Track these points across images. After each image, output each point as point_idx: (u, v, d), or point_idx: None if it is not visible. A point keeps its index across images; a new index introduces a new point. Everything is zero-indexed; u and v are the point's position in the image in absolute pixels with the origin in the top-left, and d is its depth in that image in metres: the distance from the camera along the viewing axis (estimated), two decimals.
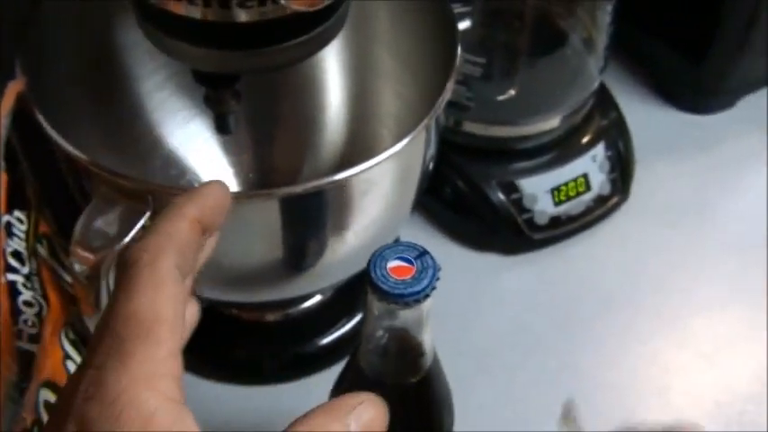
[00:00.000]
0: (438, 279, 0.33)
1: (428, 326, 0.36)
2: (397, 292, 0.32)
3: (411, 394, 0.39)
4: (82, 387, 0.26)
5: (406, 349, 0.36)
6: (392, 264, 0.33)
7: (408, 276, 0.33)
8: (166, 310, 0.28)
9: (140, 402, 0.26)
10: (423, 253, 0.33)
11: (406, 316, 0.34)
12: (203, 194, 0.32)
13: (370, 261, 0.33)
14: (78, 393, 0.26)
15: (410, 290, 0.32)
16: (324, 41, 0.39)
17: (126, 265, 0.28)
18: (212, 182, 0.33)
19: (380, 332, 0.36)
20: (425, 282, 0.33)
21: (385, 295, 0.32)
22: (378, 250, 0.33)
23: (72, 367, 0.40)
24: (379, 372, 0.37)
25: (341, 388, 0.40)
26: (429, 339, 0.37)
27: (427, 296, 0.33)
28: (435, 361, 0.39)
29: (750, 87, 0.71)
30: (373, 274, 0.33)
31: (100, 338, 0.27)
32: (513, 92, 0.60)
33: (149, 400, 0.26)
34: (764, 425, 0.52)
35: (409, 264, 0.33)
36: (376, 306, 0.34)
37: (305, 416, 0.29)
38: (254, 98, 0.54)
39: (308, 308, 0.54)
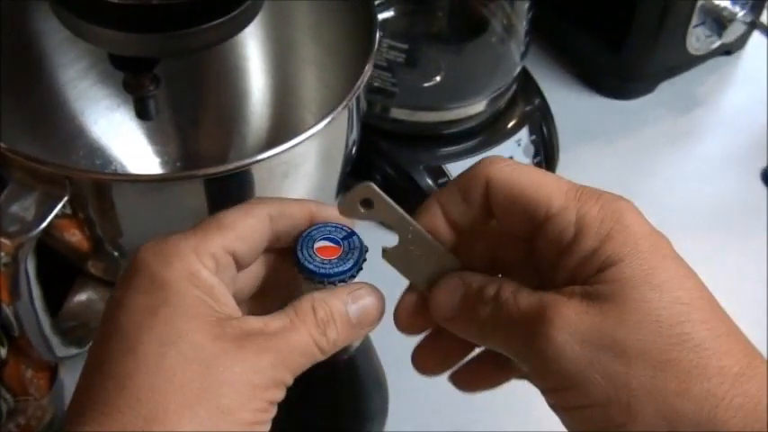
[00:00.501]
0: (365, 260, 0.33)
1: None
2: (322, 271, 0.33)
3: (341, 373, 0.39)
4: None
5: None
6: (319, 244, 0.34)
7: (334, 256, 0.33)
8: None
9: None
10: (350, 234, 0.34)
11: None
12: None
13: (296, 240, 0.33)
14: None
15: (335, 269, 0.33)
16: (241, 25, 0.39)
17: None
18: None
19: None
20: (350, 262, 0.33)
21: (310, 274, 0.33)
22: (304, 230, 0.34)
23: None
24: None
25: None
26: None
27: (353, 276, 0.33)
28: (366, 340, 0.39)
29: (668, 73, 0.74)
30: (300, 254, 0.33)
31: None
32: (438, 78, 0.61)
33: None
34: None
35: (336, 244, 0.34)
36: (304, 285, 0.34)
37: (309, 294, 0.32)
38: (180, 87, 0.54)
39: None
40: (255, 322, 0.31)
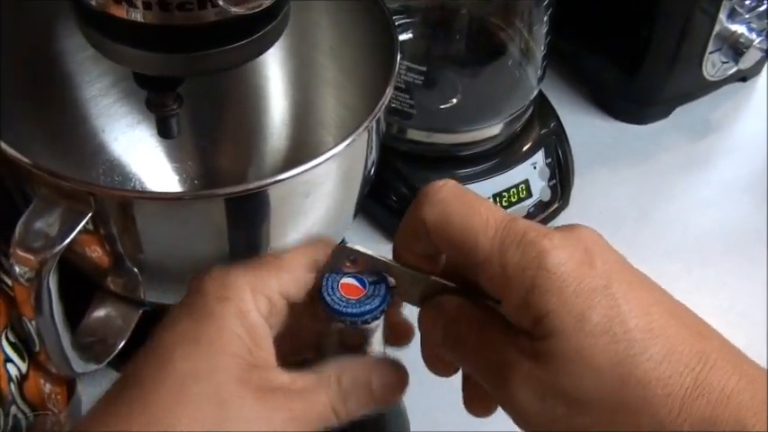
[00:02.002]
0: (384, 311, 0.34)
1: (376, 347, 0.36)
2: (335, 307, 0.33)
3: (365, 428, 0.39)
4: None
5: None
6: (346, 280, 0.34)
7: (355, 297, 0.34)
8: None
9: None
10: (380, 280, 0.34)
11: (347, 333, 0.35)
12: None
13: (322, 277, 0.34)
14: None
15: (348, 310, 0.33)
16: (264, 46, 0.40)
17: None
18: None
19: (331, 344, 0.36)
20: (367, 308, 0.33)
21: (324, 304, 0.34)
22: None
23: (12, 370, 0.40)
24: None
25: None
26: (380, 356, 0.37)
27: (376, 318, 0.34)
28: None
29: (684, 98, 0.74)
30: (324, 284, 0.34)
31: None
32: (454, 100, 0.62)
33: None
34: None
35: (362, 285, 0.34)
36: (326, 321, 0.35)
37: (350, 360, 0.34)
38: (200, 106, 0.55)
39: None
40: (282, 377, 0.33)
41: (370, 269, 0.34)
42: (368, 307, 0.33)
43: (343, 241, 0.58)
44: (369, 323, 0.34)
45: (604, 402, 0.29)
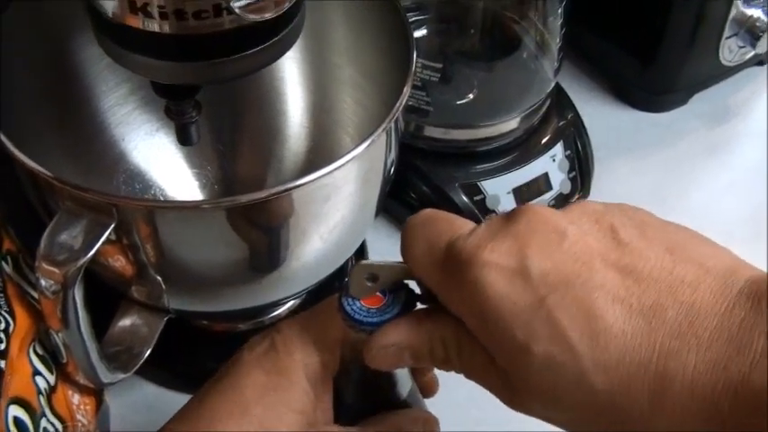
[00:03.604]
0: (410, 308, 0.34)
1: None
2: (356, 317, 0.34)
3: None
4: None
5: (377, 375, 0.36)
6: None
7: (375, 306, 0.34)
8: None
9: None
10: (399, 288, 0.34)
11: None
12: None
13: (342, 288, 0.34)
14: None
15: (369, 319, 0.33)
16: (280, 51, 0.40)
17: None
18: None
19: (354, 354, 0.36)
20: (387, 316, 0.33)
21: (344, 314, 0.34)
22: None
23: (41, 383, 0.40)
24: (358, 400, 0.38)
25: None
26: (402, 370, 0.37)
27: None
28: (412, 393, 0.39)
29: (701, 85, 0.73)
30: (344, 292, 0.34)
31: None
32: (471, 96, 0.61)
33: None
34: None
35: (382, 294, 0.34)
36: (346, 329, 0.35)
37: (391, 413, 0.37)
38: (218, 111, 0.55)
39: (280, 316, 0.55)
40: None
41: (390, 281, 0.34)
42: (388, 315, 0.33)
43: (363, 243, 0.58)
44: None
45: (585, 410, 0.28)
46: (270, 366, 0.36)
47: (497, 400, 0.32)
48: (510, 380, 0.29)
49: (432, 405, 0.43)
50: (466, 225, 0.31)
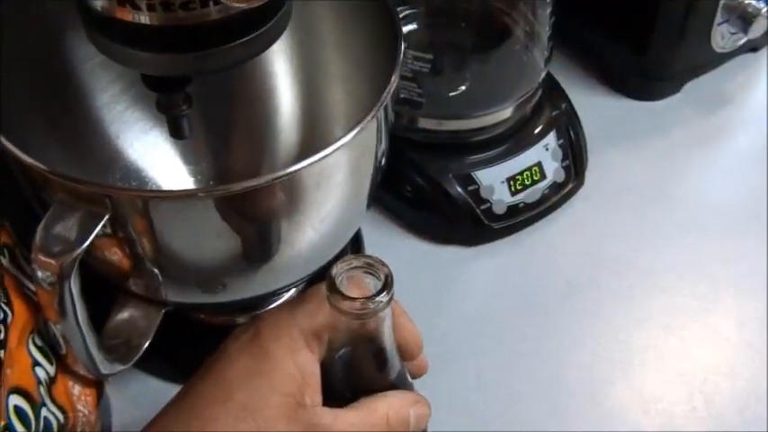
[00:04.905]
0: (389, 302, 0.35)
1: (387, 339, 0.37)
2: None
3: None
4: None
5: (365, 356, 0.37)
6: (352, 274, 0.35)
7: (361, 289, 0.35)
8: None
9: None
10: (384, 273, 0.35)
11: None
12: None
13: (329, 276, 0.35)
14: None
15: (367, 305, 0.34)
16: (269, 41, 0.40)
17: None
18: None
19: (342, 337, 0.37)
20: (372, 297, 0.34)
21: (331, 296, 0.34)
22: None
23: (41, 374, 0.40)
24: (347, 383, 0.38)
25: None
26: (390, 352, 0.38)
27: (373, 311, 0.34)
28: (401, 375, 0.39)
29: (694, 72, 0.74)
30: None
31: None
32: (463, 87, 0.62)
33: None
34: (725, 392, 0.54)
35: (367, 278, 0.35)
36: (334, 316, 0.36)
37: (382, 394, 0.38)
38: (211, 106, 0.55)
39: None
40: (326, 416, 0.36)
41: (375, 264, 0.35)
42: (373, 296, 0.34)
43: (358, 232, 0.59)
44: (376, 311, 0.34)
45: None
46: (255, 352, 0.37)
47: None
48: None
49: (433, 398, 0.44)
50: None
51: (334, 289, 0.34)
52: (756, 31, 0.69)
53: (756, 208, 0.65)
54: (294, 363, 0.37)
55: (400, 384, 0.39)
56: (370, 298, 0.34)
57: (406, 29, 0.62)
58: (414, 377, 0.41)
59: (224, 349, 0.39)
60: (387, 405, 0.37)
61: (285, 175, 0.39)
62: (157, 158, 0.56)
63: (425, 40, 0.62)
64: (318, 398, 0.37)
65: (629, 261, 0.62)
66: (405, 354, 0.40)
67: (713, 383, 0.54)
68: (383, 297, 0.34)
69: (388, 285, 0.34)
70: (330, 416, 0.36)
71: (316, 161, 0.40)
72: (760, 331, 0.57)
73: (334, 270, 0.35)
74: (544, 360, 0.55)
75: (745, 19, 0.68)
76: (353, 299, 0.34)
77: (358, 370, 0.38)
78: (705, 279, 0.60)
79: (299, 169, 0.39)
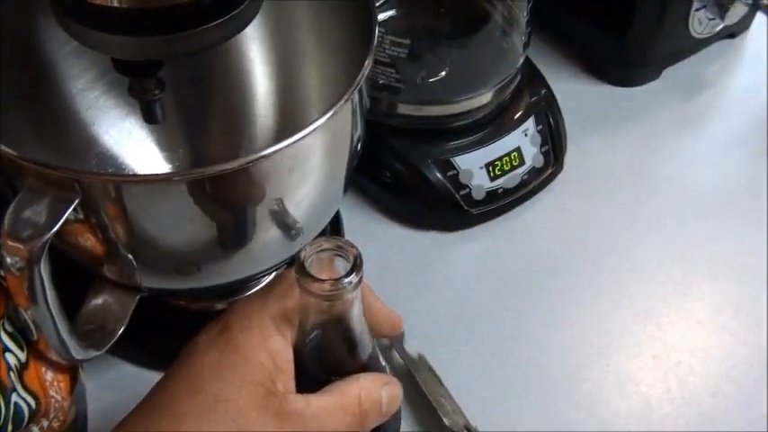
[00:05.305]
0: (358, 283, 0.35)
1: (356, 320, 0.37)
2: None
3: None
4: None
5: (336, 339, 0.37)
6: (321, 256, 0.36)
7: (329, 270, 0.35)
8: None
9: None
10: (353, 254, 0.35)
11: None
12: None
13: (299, 259, 0.35)
14: None
15: (338, 287, 0.34)
16: (241, 24, 0.40)
17: None
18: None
19: (312, 319, 0.37)
20: (340, 278, 0.34)
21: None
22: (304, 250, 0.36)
23: (11, 360, 0.40)
24: (319, 366, 0.38)
25: None
26: (361, 333, 0.38)
27: (340, 291, 0.34)
28: (373, 356, 0.39)
29: (673, 58, 0.74)
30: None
31: None
32: (442, 73, 0.62)
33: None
34: (699, 373, 0.54)
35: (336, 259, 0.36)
36: (303, 299, 0.36)
37: (354, 376, 0.38)
38: (186, 92, 0.55)
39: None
40: (298, 401, 0.36)
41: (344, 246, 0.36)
42: (343, 278, 0.34)
43: (338, 214, 0.59)
44: (345, 293, 0.34)
45: None
46: (223, 346, 0.37)
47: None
48: None
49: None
50: None
51: (303, 271, 0.34)
52: (733, 17, 0.69)
53: (733, 192, 0.65)
54: (266, 350, 0.37)
55: (373, 366, 0.39)
56: (340, 279, 0.34)
57: (384, 15, 0.62)
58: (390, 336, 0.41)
59: (194, 344, 0.39)
60: (358, 387, 0.37)
61: (258, 158, 0.39)
62: (134, 145, 0.56)
63: (404, 26, 0.62)
64: (291, 384, 0.37)
65: (608, 246, 0.62)
66: (376, 332, 0.40)
67: (687, 366, 0.54)
68: (353, 278, 0.34)
69: (357, 267, 0.34)
70: (302, 401, 0.36)
71: (289, 145, 0.39)
72: (734, 315, 0.57)
73: (304, 253, 0.35)
74: (522, 344, 0.55)
75: (722, 5, 0.69)
76: (323, 280, 0.34)
77: (330, 352, 0.38)
78: (682, 264, 0.61)
79: (272, 153, 0.39)
